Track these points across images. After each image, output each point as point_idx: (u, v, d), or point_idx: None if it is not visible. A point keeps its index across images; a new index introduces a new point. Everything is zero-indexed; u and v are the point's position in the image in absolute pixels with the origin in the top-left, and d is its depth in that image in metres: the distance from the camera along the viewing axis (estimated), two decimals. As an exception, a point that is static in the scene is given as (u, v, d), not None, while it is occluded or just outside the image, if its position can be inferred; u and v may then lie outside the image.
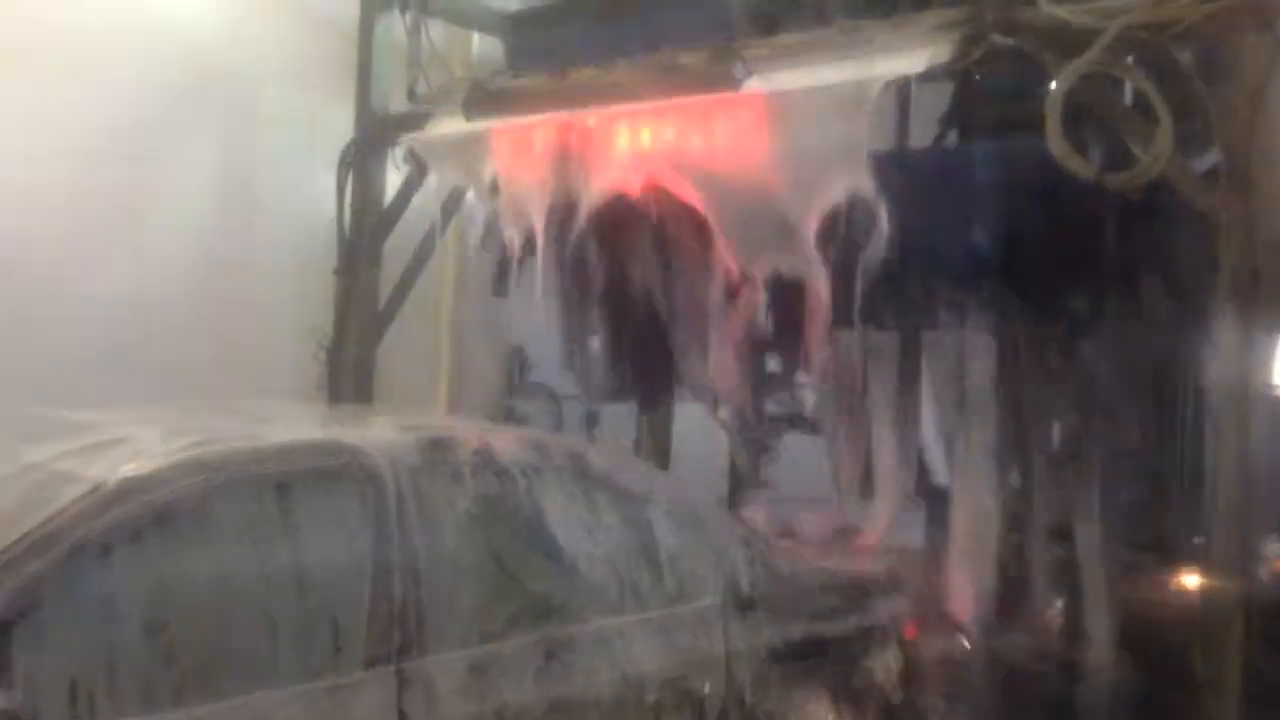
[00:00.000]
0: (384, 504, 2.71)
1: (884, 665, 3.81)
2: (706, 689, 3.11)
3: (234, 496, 2.52)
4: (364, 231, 6.21)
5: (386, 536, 2.69)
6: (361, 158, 6.18)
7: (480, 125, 5.50)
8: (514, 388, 7.75)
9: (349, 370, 6.16)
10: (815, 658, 3.53)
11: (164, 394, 5.35)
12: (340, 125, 6.30)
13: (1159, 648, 4.27)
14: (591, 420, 8.24)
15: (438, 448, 2.92)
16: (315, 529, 2.62)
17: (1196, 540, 4.49)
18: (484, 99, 5.41)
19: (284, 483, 2.60)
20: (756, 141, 4.42)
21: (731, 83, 4.51)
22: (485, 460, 2.98)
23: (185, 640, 2.36)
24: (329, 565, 2.61)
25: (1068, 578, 4.79)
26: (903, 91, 4.24)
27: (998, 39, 3.97)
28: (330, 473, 2.68)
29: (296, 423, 3.13)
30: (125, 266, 5.97)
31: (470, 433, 3.13)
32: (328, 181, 6.25)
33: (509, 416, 7.74)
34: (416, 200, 6.35)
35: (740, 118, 4.49)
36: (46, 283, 5.69)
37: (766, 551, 3.59)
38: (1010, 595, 4.80)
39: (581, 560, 3.02)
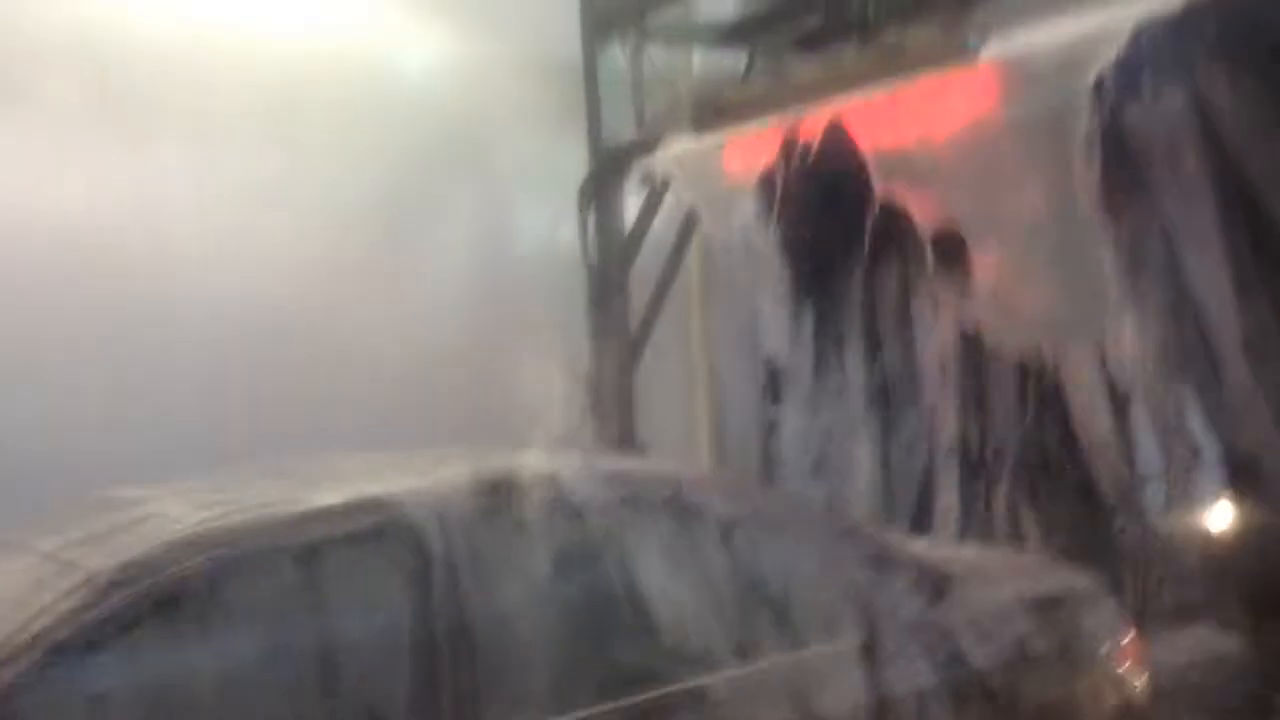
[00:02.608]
0: (427, 565, 2.34)
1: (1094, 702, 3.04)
2: None
3: (245, 574, 2.20)
4: (609, 261, 6.30)
5: (430, 602, 2.31)
6: (599, 189, 6.28)
7: (711, 139, 5.47)
8: (775, 398, 7.63)
9: (609, 399, 6.24)
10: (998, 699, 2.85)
11: (438, 440, 5.74)
12: (578, 161, 6.44)
13: None
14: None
15: (495, 492, 2.53)
16: (345, 603, 2.28)
17: None
18: (711, 112, 5.37)
19: (305, 554, 2.26)
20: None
21: (968, 55, 4.26)
22: (554, 503, 2.54)
23: None
24: (361, 643, 2.27)
25: None
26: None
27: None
28: (361, 536, 2.33)
29: (352, 479, 2.66)
30: (389, 322, 6.29)
31: (541, 470, 2.63)
32: (572, 218, 6.40)
33: (774, 428, 7.65)
34: (657, 224, 6.40)
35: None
36: (320, 342, 6.06)
37: (931, 575, 2.95)
38: None
39: (681, 612, 2.54)
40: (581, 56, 6.39)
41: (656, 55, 6.44)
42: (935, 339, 5.54)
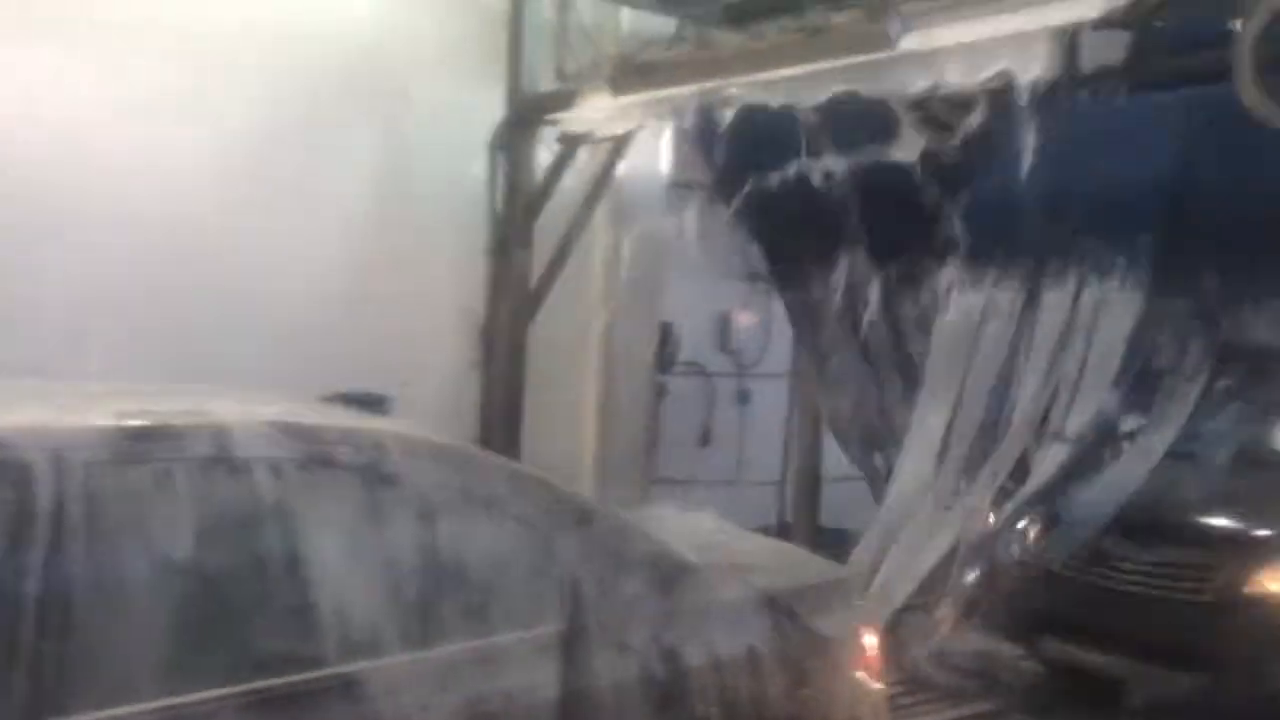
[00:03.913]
0: (27, 518, 2.01)
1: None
2: None
3: None
4: (515, 211, 6.24)
5: (24, 562, 1.99)
6: (512, 138, 6.21)
7: (628, 100, 5.46)
8: (666, 365, 7.70)
9: (502, 350, 6.21)
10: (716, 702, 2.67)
11: (323, 378, 5.63)
12: (493, 107, 6.35)
13: None
14: (744, 398, 8.17)
15: (138, 440, 2.16)
16: None
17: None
18: (631, 73, 5.35)
19: None
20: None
21: (887, 42, 4.33)
22: (214, 459, 2.21)
23: None
24: None
25: None
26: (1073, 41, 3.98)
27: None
28: None
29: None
30: (285, 251, 6.11)
31: (207, 421, 2.28)
32: (481, 164, 6.32)
33: (661, 393, 7.72)
34: (567, 179, 6.36)
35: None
36: (208, 269, 5.86)
37: (665, 565, 2.73)
38: None
39: (347, 591, 2.27)
40: (509, 1, 6.31)
41: (585, 9, 6.40)
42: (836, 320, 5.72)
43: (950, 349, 5.08)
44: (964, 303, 5.06)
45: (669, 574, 2.74)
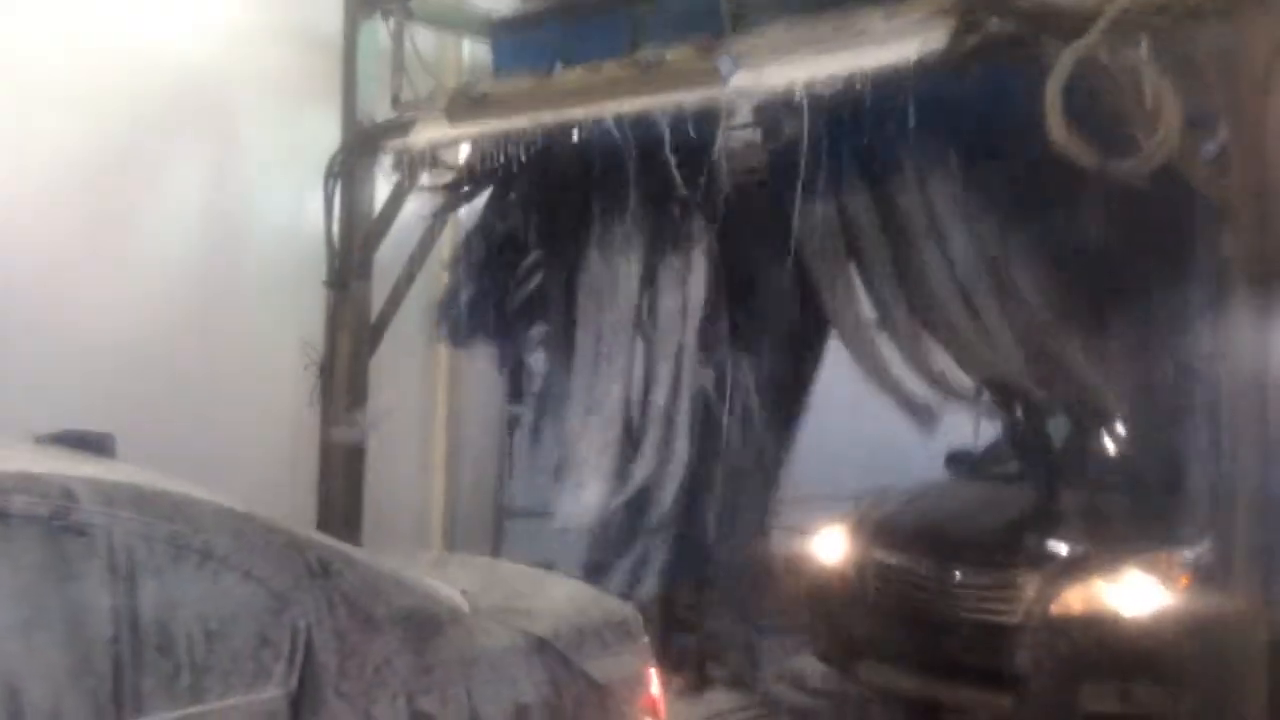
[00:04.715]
0: None
1: None
2: None
3: None
4: (354, 242, 6.08)
5: None
6: (348, 167, 6.05)
7: (465, 130, 5.38)
8: (516, 397, 7.59)
9: (342, 384, 6.03)
10: None
11: (155, 415, 5.35)
12: (329, 136, 6.18)
13: None
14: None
15: None
16: None
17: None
18: (467, 104, 5.27)
19: None
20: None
21: (718, 80, 4.37)
22: None
23: None
24: None
25: None
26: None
27: (994, 25, 3.81)
28: None
29: None
30: (113, 285, 5.82)
31: None
32: (317, 194, 6.13)
33: (513, 424, 7.61)
34: (408, 208, 6.23)
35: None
36: (34, 304, 5.52)
37: (421, 615, 2.56)
38: None
39: (24, 659, 2.05)
40: (343, 29, 6.15)
41: (427, 39, 6.29)
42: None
43: None
44: None
45: (425, 627, 2.57)
